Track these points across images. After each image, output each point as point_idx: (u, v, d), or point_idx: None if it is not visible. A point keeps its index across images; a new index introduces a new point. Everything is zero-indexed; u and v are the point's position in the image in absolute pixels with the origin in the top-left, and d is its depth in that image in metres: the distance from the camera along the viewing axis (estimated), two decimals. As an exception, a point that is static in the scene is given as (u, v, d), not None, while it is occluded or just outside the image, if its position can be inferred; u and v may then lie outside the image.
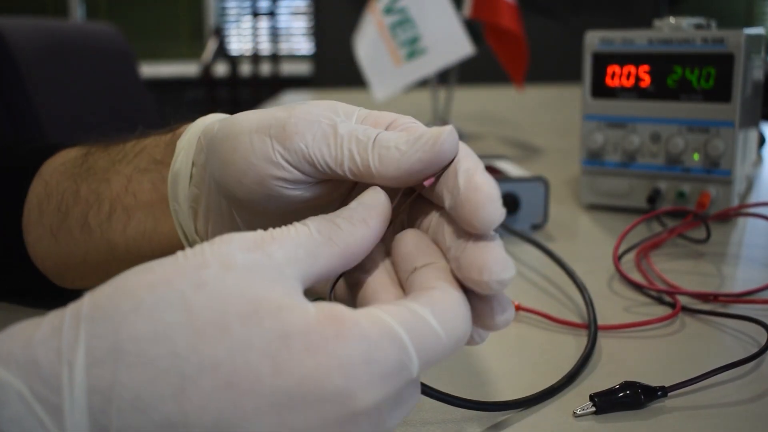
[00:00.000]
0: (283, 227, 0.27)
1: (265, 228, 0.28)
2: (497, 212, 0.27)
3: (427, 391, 0.31)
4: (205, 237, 0.37)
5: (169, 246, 0.39)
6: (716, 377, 0.36)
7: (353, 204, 0.29)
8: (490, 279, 0.27)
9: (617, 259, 0.54)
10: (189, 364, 0.22)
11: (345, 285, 0.32)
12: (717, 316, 0.45)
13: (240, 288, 0.24)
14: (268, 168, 0.31)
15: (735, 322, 0.44)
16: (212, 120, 0.38)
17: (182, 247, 0.36)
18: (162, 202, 0.39)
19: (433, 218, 0.31)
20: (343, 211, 0.29)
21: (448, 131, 0.29)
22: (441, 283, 0.27)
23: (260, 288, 0.24)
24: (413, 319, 0.25)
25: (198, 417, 0.22)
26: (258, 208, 0.34)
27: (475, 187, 0.28)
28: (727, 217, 0.67)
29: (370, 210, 0.29)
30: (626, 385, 0.35)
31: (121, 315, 0.23)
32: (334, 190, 0.34)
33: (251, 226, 0.30)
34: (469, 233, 0.28)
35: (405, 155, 0.29)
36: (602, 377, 0.38)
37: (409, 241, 0.30)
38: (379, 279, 0.30)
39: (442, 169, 0.29)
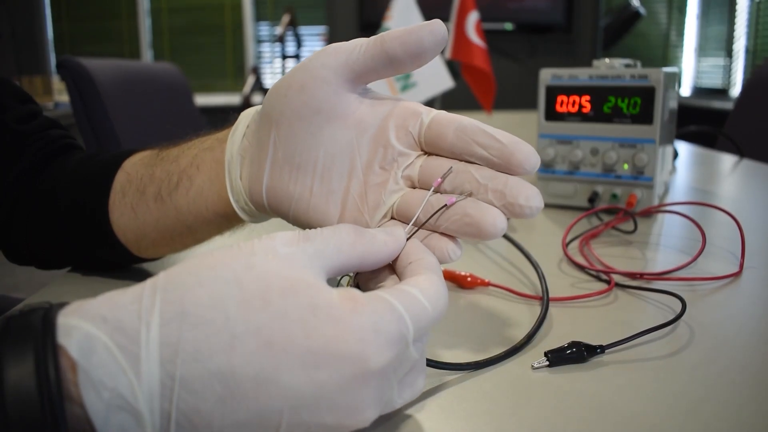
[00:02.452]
0: (319, 229, 0.28)
1: (293, 150, 0.33)
2: (538, 157, 0.31)
3: None
4: (246, 181, 0.37)
5: (218, 199, 0.39)
6: (642, 338, 0.36)
7: (379, 229, 0.30)
8: (533, 205, 0.30)
9: (565, 245, 0.54)
10: (238, 326, 0.22)
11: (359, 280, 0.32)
12: (642, 290, 0.45)
13: (280, 270, 0.24)
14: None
15: (656, 295, 0.44)
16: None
17: (227, 200, 0.38)
18: (218, 165, 0.38)
19: (454, 167, 0.32)
20: (370, 230, 0.29)
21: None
22: (426, 271, 0.28)
23: (296, 271, 0.24)
24: (407, 297, 0.25)
25: (243, 368, 0.22)
26: (298, 122, 0.33)
27: (518, 142, 0.31)
28: (650, 213, 0.66)
29: (390, 236, 0.30)
30: (573, 344, 0.34)
31: (187, 287, 0.23)
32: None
33: (284, 151, 0.34)
34: (506, 173, 0.30)
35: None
36: (554, 339, 0.37)
37: (408, 243, 0.30)
38: (385, 271, 0.31)
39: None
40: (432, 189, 0.32)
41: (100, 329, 0.21)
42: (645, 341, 0.37)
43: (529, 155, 0.30)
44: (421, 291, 0.26)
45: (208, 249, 0.25)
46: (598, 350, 0.35)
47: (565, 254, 0.53)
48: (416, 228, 0.31)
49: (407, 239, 0.30)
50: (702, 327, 0.39)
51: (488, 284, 0.46)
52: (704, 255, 0.52)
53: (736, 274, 0.48)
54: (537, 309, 0.42)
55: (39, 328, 0.21)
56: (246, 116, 0.38)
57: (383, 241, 0.29)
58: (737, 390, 0.31)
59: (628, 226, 0.62)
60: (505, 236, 0.54)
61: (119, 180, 0.43)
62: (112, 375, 0.21)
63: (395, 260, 0.30)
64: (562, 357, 0.34)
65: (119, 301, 0.23)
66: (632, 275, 0.48)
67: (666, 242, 0.59)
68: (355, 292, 0.25)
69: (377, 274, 0.31)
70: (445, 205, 0.31)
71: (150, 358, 0.21)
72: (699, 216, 0.66)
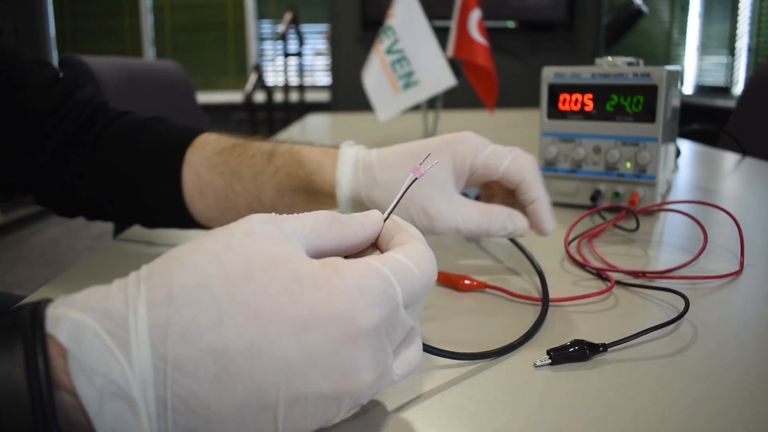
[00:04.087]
0: (296, 214, 0.28)
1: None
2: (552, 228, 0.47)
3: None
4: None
5: (326, 206, 0.48)
6: (645, 336, 0.36)
7: (358, 213, 0.30)
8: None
9: (567, 244, 0.54)
10: (224, 304, 0.22)
11: None
12: (644, 288, 0.45)
13: (259, 247, 0.24)
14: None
15: (659, 293, 0.44)
16: (357, 154, 0.47)
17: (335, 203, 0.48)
18: (320, 206, 0.47)
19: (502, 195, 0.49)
20: (348, 215, 0.30)
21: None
22: (410, 240, 0.28)
23: (275, 247, 0.25)
24: (392, 261, 0.26)
25: (234, 343, 0.22)
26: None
27: (542, 217, 0.46)
28: (651, 212, 0.66)
29: (368, 219, 0.30)
30: (575, 342, 0.34)
31: (170, 272, 0.23)
32: None
33: None
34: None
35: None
36: (556, 337, 0.37)
37: (387, 221, 0.31)
38: (369, 251, 0.31)
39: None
40: (407, 183, 0.32)
41: (89, 317, 0.22)
42: (647, 339, 0.36)
43: (545, 226, 0.47)
44: (406, 256, 0.26)
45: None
46: (601, 348, 0.34)
47: (567, 252, 0.53)
48: (392, 208, 0.31)
49: (384, 220, 0.30)
50: (704, 325, 0.39)
51: (485, 286, 0.46)
52: (706, 253, 0.52)
53: (737, 273, 0.48)
54: (537, 308, 0.42)
55: (28, 321, 0.21)
56: (344, 179, 0.46)
57: (360, 223, 0.29)
58: (740, 389, 0.31)
59: (631, 224, 0.62)
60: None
61: (190, 179, 0.49)
62: (103, 361, 0.21)
63: (378, 240, 0.30)
64: (565, 355, 0.34)
65: (105, 292, 0.23)
66: (634, 273, 0.48)
67: (668, 240, 0.59)
68: (337, 259, 0.25)
69: (362, 255, 0.31)
70: (416, 178, 0.31)
71: (140, 342, 0.21)
72: (701, 214, 0.66)
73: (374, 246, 0.30)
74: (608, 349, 0.35)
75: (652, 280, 0.47)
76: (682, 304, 0.40)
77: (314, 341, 0.23)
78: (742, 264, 0.49)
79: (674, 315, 0.38)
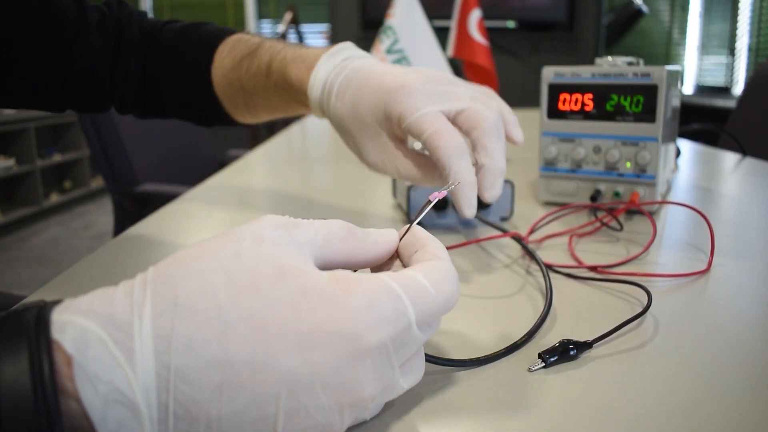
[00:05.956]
0: (310, 220, 0.28)
1: (371, 147, 0.48)
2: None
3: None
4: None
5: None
6: (622, 330, 0.37)
7: (374, 229, 0.30)
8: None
9: (527, 239, 0.54)
10: (229, 314, 0.22)
11: None
12: (604, 281, 0.44)
13: (268, 256, 0.24)
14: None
15: (615, 287, 0.44)
16: (327, 78, 0.49)
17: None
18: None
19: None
20: (365, 229, 0.29)
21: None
22: (432, 257, 0.28)
23: (284, 256, 0.24)
24: (406, 278, 0.25)
25: (237, 354, 0.22)
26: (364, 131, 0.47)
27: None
28: (652, 211, 0.66)
29: (383, 237, 0.29)
30: (564, 343, 0.34)
31: (177, 279, 0.23)
32: None
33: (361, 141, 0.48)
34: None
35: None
36: (550, 337, 0.37)
37: (410, 232, 0.30)
38: (391, 263, 0.31)
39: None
40: (428, 203, 0.32)
41: (94, 323, 0.21)
42: (623, 333, 0.37)
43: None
44: (424, 275, 0.26)
45: (198, 240, 0.25)
46: (587, 347, 0.35)
47: (570, 250, 0.53)
48: (409, 227, 0.31)
49: (401, 238, 0.30)
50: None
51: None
52: (688, 251, 0.52)
53: (704, 272, 0.48)
54: (530, 308, 0.42)
55: (33, 326, 0.21)
56: (314, 84, 0.50)
57: (375, 240, 0.29)
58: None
59: (631, 224, 0.62)
60: (496, 227, 0.54)
61: (221, 96, 0.58)
62: (107, 368, 0.21)
63: (399, 252, 0.30)
64: (557, 356, 0.33)
65: (111, 297, 0.23)
66: (593, 268, 0.49)
67: (669, 240, 0.58)
68: (346, 273, 0.25)
69: (385, 266, 0.31)
70: (429, 201, 0.32)
71: (144, 350, 0.21)
72: (705, 211, 0.65)
73: (395, 258, 0.30)
74: (593, 345, 0.35)
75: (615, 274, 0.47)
76: (640, 295, 0.40)
77: (317, 357, 0.23)
78: (710, 263, 0.49)
79: (636, 305, 0.39)
